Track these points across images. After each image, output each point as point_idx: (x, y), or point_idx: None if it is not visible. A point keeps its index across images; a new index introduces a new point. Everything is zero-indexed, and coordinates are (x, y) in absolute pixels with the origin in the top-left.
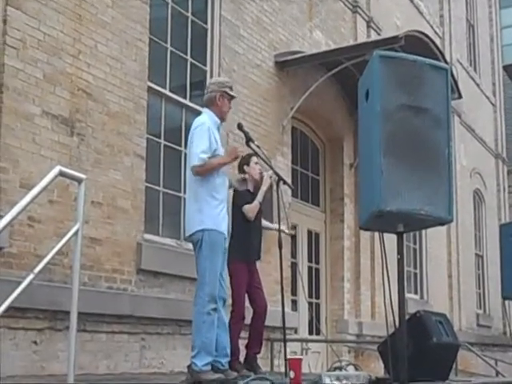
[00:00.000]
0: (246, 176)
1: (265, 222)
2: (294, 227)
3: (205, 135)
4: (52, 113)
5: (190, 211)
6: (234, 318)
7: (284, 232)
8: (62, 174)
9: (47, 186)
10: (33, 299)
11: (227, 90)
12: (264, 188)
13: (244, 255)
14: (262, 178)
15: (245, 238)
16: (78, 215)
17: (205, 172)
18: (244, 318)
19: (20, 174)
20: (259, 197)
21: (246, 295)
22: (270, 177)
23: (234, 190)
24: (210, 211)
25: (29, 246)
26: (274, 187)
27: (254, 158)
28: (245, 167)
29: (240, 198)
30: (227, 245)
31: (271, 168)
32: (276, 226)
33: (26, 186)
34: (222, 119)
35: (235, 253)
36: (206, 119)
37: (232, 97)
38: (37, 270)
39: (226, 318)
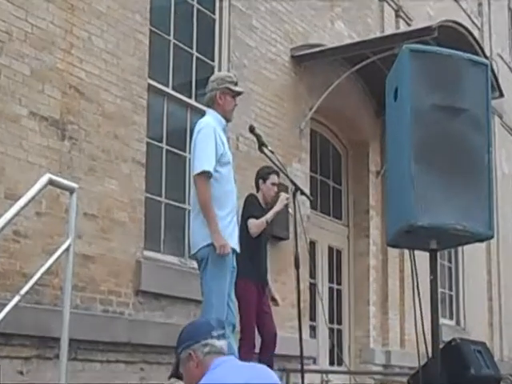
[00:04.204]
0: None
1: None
2: (313, 244)
3: (210, 139)
4: (40, 114)
5: (194, 225)
6: (244, 346)
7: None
8: (51, 182)
9: (35, 196)
10: (19, 324)
11: (229, 85)
12: (277, 209)
13: (253, 274)
14: (277, 197)
15: (254, 255)
16: (69, 229)
17: (203, 190)
18: (255, 347)
19: (5, 183)
20: (268, 216)
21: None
22: (287, 198)
23: (248, 195)
24: None
25: (14, 264)
26: (290, 201)
27: (274, 178)
28: (260, 182)
29: (248, 209)
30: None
31: (287, 176)
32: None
33: (12, 197)
34: (227, 119)
35: (243, 271)
36: (210, 120)
37: (237, 93)
38: (23, 291)
39: (236, 347)
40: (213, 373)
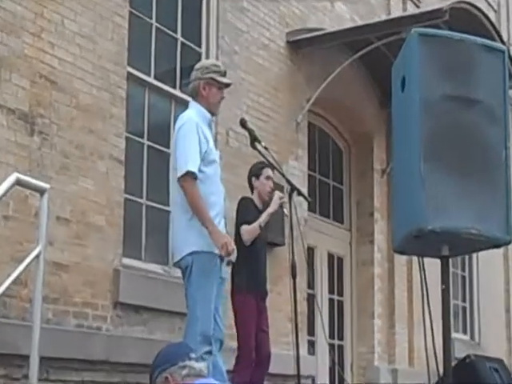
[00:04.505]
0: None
1: None
2: (311, 250)
3: (192, 136)
4: (7, 106)
5: (176, 229)
6: (241, 363)
7: None
8: (19, 182)
9: (1, 198)
10: None
11: (215, 76)
12: (270, 210)
13: (251, 284)
14: (270, 198)
15: (250, 264)
16: (39, 234)
17: (192, 192)
18: (253, 364)
19: None
20: (261, 219)
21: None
22: (281, 198)
23: (240, 199)
24: (201, 228)
25: None
26: (286, 201)
27: (268, 171)
28: (253, 180)
29: (241, 214)
30: (227, 271)
31: (282, 175)
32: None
33: None
34: (212, 113)
35: (241, 281)
36: (192, 114)
37: (224, 84)
38: None
39: (224, 366)
40: None
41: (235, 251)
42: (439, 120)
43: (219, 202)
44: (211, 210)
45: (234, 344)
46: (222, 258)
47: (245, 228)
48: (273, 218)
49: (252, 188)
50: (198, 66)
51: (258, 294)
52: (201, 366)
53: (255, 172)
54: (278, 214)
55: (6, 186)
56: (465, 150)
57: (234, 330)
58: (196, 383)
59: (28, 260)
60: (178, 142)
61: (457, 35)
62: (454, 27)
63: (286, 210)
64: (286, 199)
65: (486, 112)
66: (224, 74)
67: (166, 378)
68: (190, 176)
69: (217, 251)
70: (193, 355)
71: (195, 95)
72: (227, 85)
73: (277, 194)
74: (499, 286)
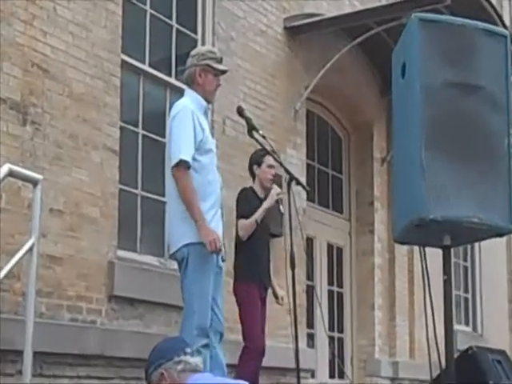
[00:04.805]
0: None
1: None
2: (310, 240)
3: (187, 124)
4: None
5: (172, 221)
6: (248, 354)
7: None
8: (11, 173)
9: None
10: None
11: (210, 62)
12: (266, 205)
13: (253, 275)
14: (271, 186)
15: (250, 256)
16: (33, 227)
17: (184, 182)
18: (263, 354)
19: None
20: (257, 214)
21: None
22: (278, 194)
23: (240, 191)
24: None
25: None
26: (282, 197)
27: (269, 159)
28: (254, 168)
29: (240, 208)
30: (225, 263)
31: (280, 164)
32: (279, 290)
33: None
34: (208, 101)
35: (244, 273)
36: (187, 102)
37: (220, 71)
38: None
39: (224, 358)
40: None
41: (223, 248)
42: (440, 107)
43: (215, 192)
44: (207, 200)
45: (234, 337)
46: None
47: (241, 223)
48: (270, 209)
49: (253, 176)
50: (193, 52)
51: (261, 284)
52: (196, 360)
53: (256, 160)
54: (274, 207)
55: None
56: (466, 138)
57: (233, 323)
58: (190, 382)
59: (21, 253)
60: (173, 131)
61: (458, 20)
62: (456, 12)
63: (282, 208)
64: (282, 195)
65: (488, 98)
66: (220, 61)
67: (162, 373)
68: (182, 165)
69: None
70: (188, 350)
71: (191, 82)
72: (223, 72)
73: (274, 188)
74: (502, 276)
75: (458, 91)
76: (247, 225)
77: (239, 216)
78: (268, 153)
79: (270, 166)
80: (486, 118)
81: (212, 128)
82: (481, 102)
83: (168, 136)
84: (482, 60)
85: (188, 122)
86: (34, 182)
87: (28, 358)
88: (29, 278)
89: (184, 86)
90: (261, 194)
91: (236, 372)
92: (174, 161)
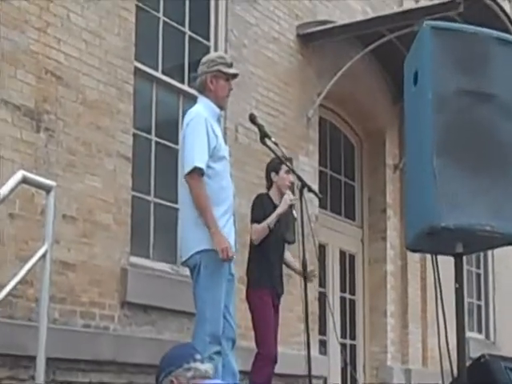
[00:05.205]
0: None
1: (288, 257)
2: (323, 247)
3: (201, 131)
4: (13, 102)
5: (185, 228)
6: (261, 360)
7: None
8: (25, 180)
9: (8, 196)
10: None
11: (221, 67)
12: (280, 211)
13: (265, 281)
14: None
15: (262, 262)
16: (46, 233)
17: (198, 190)
18: (276, 362)
19: None
20: (269, 220)
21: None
22: (291, 200)
23: (256, 197)
24: None
25: None
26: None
27: (286, 167)
28: (272, 175)
29: (253, 213)
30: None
31: (293, 171)
32: (297, 264)
33: None
34: (221, 107)
35: (256, 279)
36: (200, 109)
37: (231, 75)
38: None
39: (236, 365)
40: None
41: (234, 257)
42: (453, 115)
43: (229, 199)
44: (221, 206)
45: (247, 344)
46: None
47: (254, 227)
48: (284, 215)
49: (270, 183)
50: (203, 60)
51: (274, 290)
52: (206, 367)
53: (274, 167)
54: (288, 214)
55: (12, 184)
56: (479, 146)
57: (245, 330)
58: None
59: (34, 259)
60: (186, 138)
61: (470, 28)
62: (469, 20)
63: (295, 213)
64: (295, 201)
65: (501, 107)
66: (231, 65)
67: (172, 381)
68: (196, 172)
69: None
70: (198, 356)
71: (203, 90)
72: (234, 75)
73: (287, 194)
74: None
75: (471, 99)
76: (259, 229)
77: (253, 220)
78: (282, 162)
79: (288, 172)
80: (498, 126)
81: (225, 135)
82: (493, 110)
83: (181, 143)
84: (494, 68)
85: (201, 129)
86: (48, 189)
87: (41, 363)
88: (42, 284)
89: (196, 93)
90: (277, 200)
91: (249, 379)
92: (188, 168)
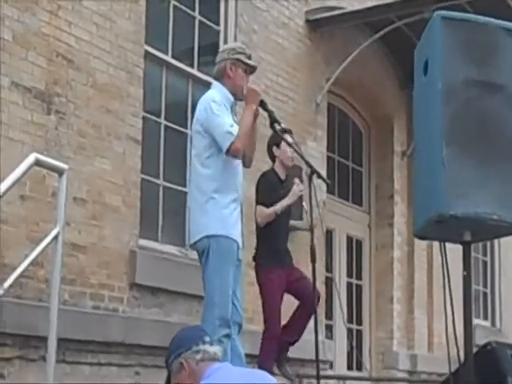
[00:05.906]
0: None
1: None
2: (330, 233)
3: (223, 112)
4: (23, 84)
5: (193, 211)
6: (267, 333)
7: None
8: (38, 163)
9: (20, 178)
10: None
11: (241, 56)
12: (289, 201)
13: (273, 261)
14: (293, 165)
15: (268, 241)
16: (58, 215)
17: (244, 143)
18: (279, 335)
19: None
20: (278, 206)
21: (291, 295)
22: (301, 190)
23: (261, 176)
24: (217, 212)
25: None
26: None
27: (287, 138)
28: (274, 149)
29: (260, 194)
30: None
31: (301, 157)
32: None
33: None
34: (236, 96)
35: (262, 259)
36: (215, 95)
37: (250, 67)
38: (6, 284)
39: (242, 349)
40: (207, 382)
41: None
42: (462, 105)
43: (236, 187)
44: (229, 195)
45: (254, 327)
46: (238, 244)
47: (260, 210)
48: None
49: (273, 158)
50: (224, 47)
51: (284, 267)
52: (215, 349)
53: (275, 141)
54: (296, 202)
55: (25, 167)
56: (487, 136)
57: (252, 314)
58: (209, 371)
59: (46, 241)
60: (213, 122)
61: (481, 18)
62: (479, 8)
63: (305, 205)
64: (304, 191)
65: (510, 97)
66: (250, 58)
67: (181, 363)
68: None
69: (234, 237)
70: (207, 339)
71: (220, 76)
72: (252, 68)
73: (296, 186)
74: None
75: (480, 89)
76: (266, 214)
77: (259, 202)
78: (286, 131)
79: (288, 144)
80: (507, 116)
81: (234, 121)
82: (502, 100)
83: (206, 125)
84: (504, 59)
85: (222, 109)
86: (60, 172)
87: (52, 344)
88: (54, 265)
89: (205, 77)
90: (282, 175)
91: (259, 349)
92: (227, 141)
